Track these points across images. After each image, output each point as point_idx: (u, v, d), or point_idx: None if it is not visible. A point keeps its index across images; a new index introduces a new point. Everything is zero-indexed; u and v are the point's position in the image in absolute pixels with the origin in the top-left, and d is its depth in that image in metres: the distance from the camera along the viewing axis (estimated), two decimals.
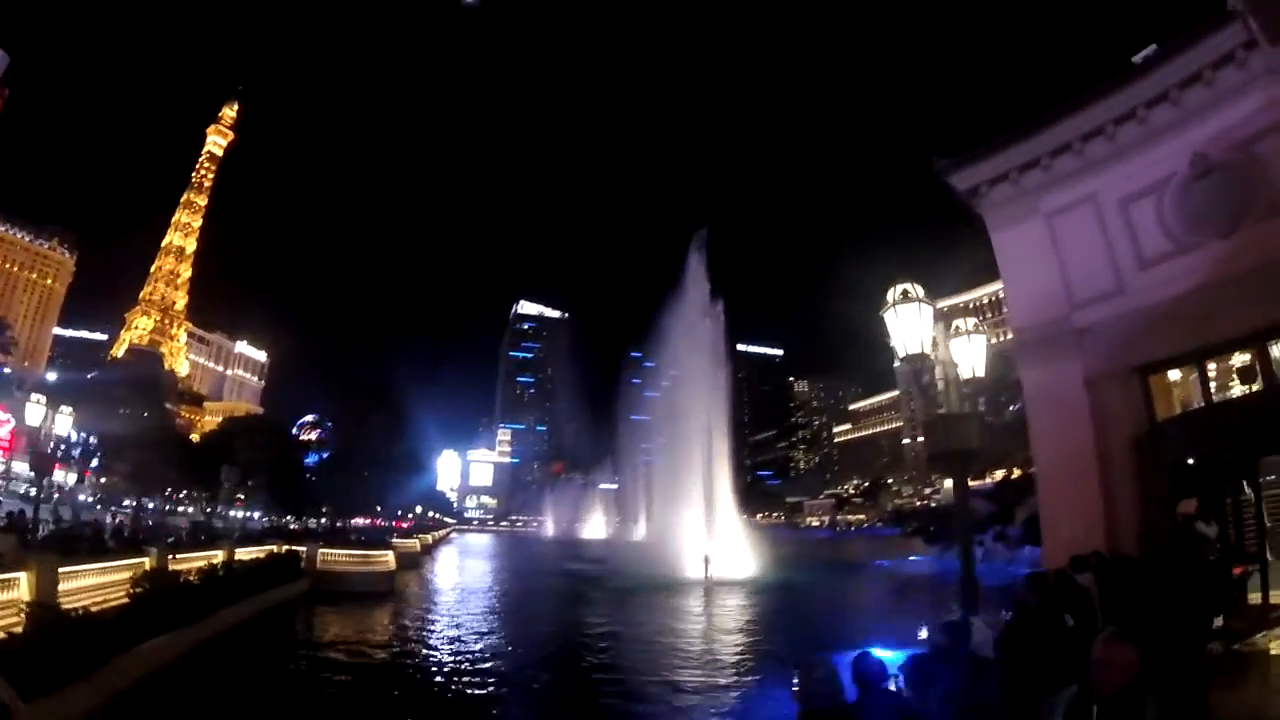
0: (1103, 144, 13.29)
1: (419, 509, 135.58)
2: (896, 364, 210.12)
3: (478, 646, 25.54)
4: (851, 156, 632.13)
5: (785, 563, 58.24)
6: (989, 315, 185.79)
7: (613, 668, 21.70)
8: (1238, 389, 13.31)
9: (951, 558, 56.41)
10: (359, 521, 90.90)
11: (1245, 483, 12.35)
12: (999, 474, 54.47)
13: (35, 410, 24.39)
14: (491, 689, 19.40)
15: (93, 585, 21.02)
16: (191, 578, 25.93)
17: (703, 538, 56.77)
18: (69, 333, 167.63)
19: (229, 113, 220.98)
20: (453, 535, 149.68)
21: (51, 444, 23.98)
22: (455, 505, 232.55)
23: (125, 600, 21.15)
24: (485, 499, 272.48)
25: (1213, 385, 13.10)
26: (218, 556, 32.45)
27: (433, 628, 29.96)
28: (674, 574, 49.29)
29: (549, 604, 38.68)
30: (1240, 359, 13.15)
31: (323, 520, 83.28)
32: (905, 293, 8.88)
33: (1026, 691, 5.43)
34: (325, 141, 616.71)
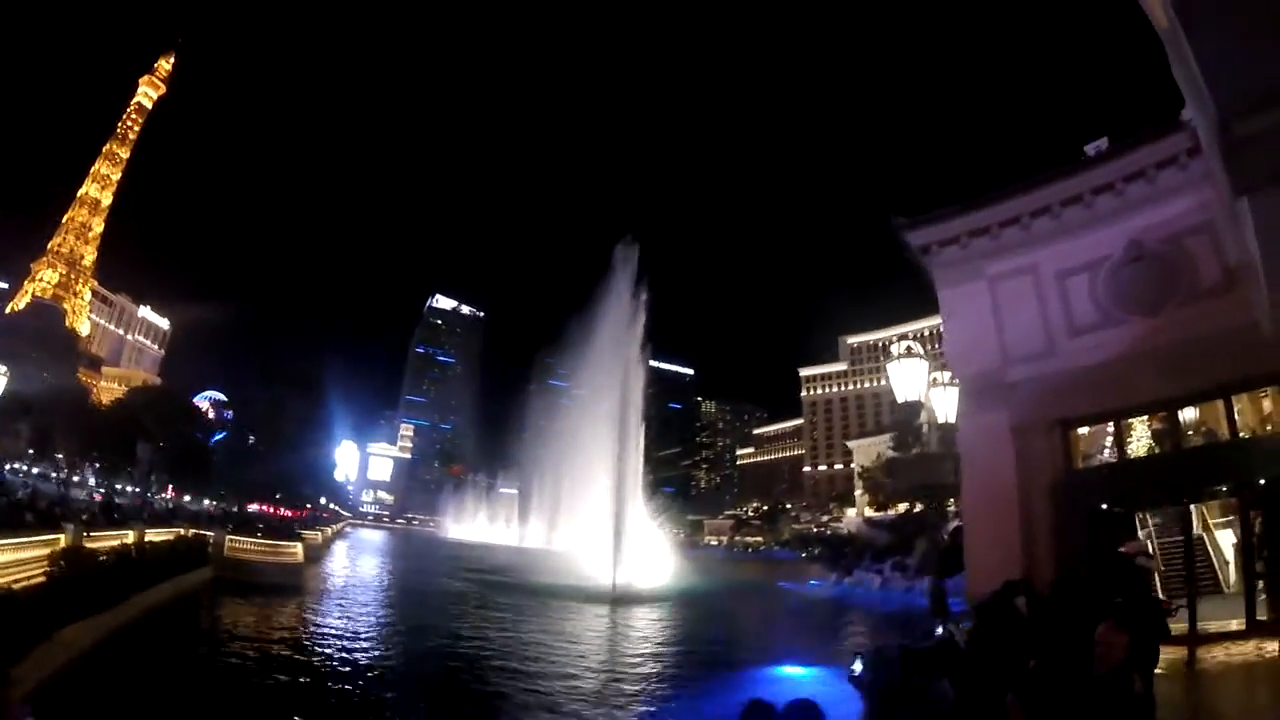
0: (1048, 221, 14.87)
1: (323, 500, 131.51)
2: (803, 392, 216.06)
3: (392, 652, 25.51)
4: (781, 186, 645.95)
5: (692, 578, 59.32)
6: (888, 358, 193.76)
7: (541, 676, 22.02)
8: (1135, 446, 15.13)
9: (849, 584, 59.04)
10: (254, 508, 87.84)
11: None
12: (902, 507, 57.02)
13: None
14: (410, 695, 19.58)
15: (8, 561, 20.15)
16: (106, 558, 25.21)
17: (610, 546, 57.29)
18: None
19: (165, 65, 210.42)
20: (347, 529, 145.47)
21: None
22: (351, 498, 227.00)
23: (42, 579, 20.45)
24: (382, 494, 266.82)
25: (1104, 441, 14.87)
26: (129, 537, 31.65)
27: (346, 630, 29.33)
28: (583, 582, 49.40)
29: (459, 610, 38.17)
30: (1140, 422, 15.00)
31: (218, 504, 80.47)
32: (909, 349, 10.10)
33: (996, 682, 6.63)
34: (253, 113, 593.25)
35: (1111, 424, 15.01)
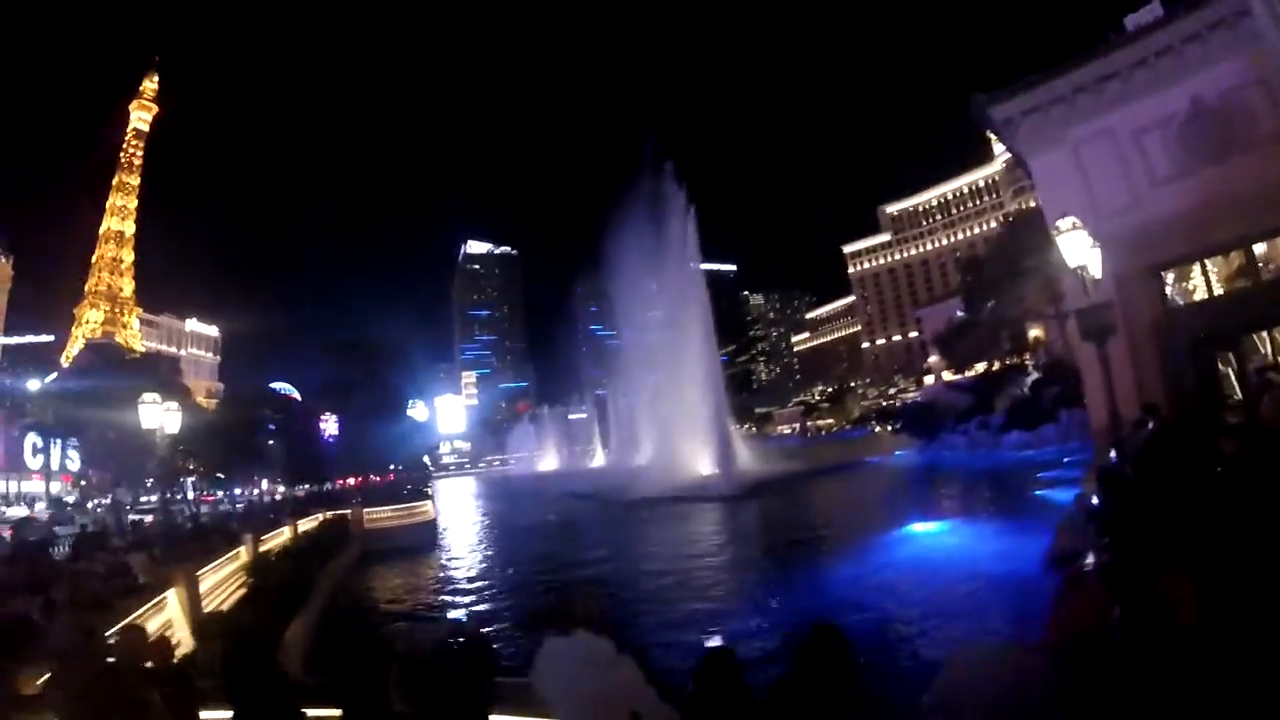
0: (1118, 85, 16.36)
1: (425, 459, 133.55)
2: (850, 269, 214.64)
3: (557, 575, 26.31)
4: (802, 57, 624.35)
5: (784, 466, 60.31)
6: (940, 217, 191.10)
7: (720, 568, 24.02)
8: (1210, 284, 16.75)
9: (935, 449, 60.58)
10: (350, 482, 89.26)
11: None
12: (980, 367, 57.91)
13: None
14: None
15: (216, 583, 20.58)
16: (280, 559, 26.50)
17: (706, 448, 57.95)
18: (13, 340, 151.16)
19: (149, 85, 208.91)
20: (434, 483, 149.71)
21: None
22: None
23: (244, 591, 21.42)
24: (458, 443, 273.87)
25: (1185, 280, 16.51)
26: (285, 533, 33.27)
27: (504, 568, 30.95)
28: (686, 488, 50.14)
29: (582, 530, 40.45)
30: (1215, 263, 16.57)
31: (308, 486, 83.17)
32: (1074, 224, 11.87)
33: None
34: (254, 99, 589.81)
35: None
